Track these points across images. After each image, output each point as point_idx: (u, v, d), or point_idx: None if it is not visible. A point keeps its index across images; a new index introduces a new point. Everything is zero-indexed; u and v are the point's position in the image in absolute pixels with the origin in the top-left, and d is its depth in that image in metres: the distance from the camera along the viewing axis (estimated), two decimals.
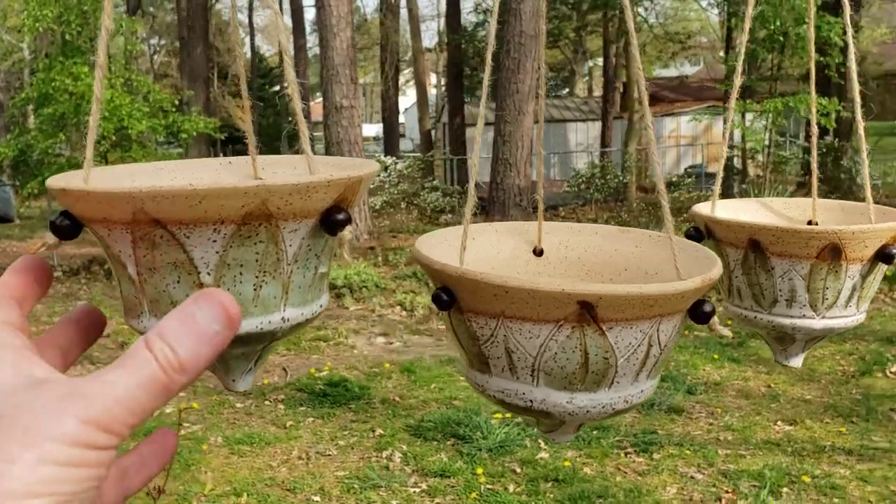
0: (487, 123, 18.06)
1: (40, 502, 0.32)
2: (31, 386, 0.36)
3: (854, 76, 0.83)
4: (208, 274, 0.46)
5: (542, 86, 0.74)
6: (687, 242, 0.62)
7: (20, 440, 0.33)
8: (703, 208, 0.79)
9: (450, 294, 0.53)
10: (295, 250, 0.47)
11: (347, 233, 0.48)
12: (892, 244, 0.70)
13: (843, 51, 11.08)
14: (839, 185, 12.75)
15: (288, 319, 0.48)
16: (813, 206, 0.85)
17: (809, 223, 0.85)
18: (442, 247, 0.62)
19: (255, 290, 0.46)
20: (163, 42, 29.23)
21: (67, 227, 0.49)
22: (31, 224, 13.48)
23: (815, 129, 0.83)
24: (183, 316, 0.37)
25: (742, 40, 0.88)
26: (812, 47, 0.88)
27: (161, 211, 0.44)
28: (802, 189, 12.86)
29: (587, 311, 0.48)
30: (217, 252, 0.45)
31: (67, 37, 8.34)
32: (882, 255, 0.70)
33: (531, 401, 0.54)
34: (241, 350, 0.49)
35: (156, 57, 30.06)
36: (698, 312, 0.51)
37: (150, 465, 0.47)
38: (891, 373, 5.37)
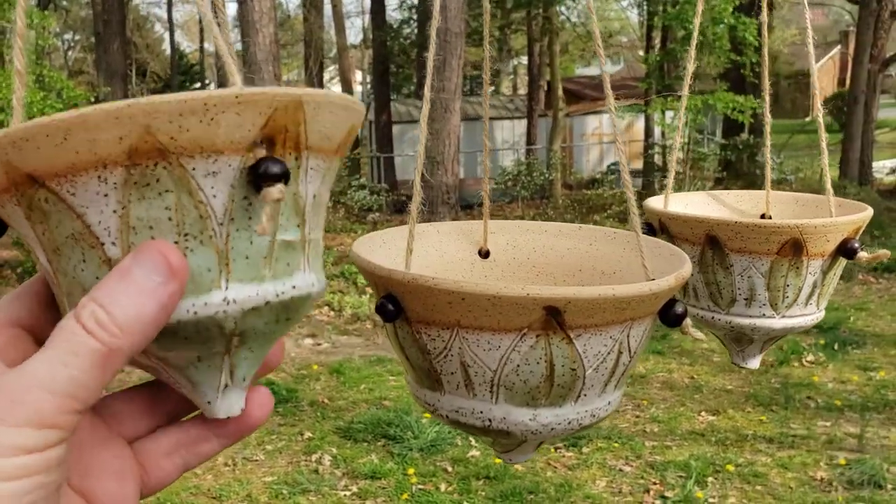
0: (412, 121, 18.02)
1: None
2: None
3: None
4: (113, 244, 0.34)
5: (487, 83, 0.70)
6: (651, 239, 0.58)
7: None
8: (655, 203, 0.76)
9: (396, 303, 0.47)
10: (224, 203, 0.35)
11: (277, 191, 0.35)
12: (853, 238, 0.68)
13: (758, 50, 11.43)
14: (754, 182, 13.14)
15: (235, 300, 0.35)
16: (766, 199, 0.83)
17: (763, 217, 0.83)
18: (381, 250, 0.57)
19: None
20: (77, 37, 28.28)
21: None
22: None
23: (767, 117, 0.81)
24: (116, 273, 0.32)
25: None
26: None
27: (27, 160, 0.34)
28: (721, 185, 13.20)
29: (553, 318, 0.44)
30: (115, 211, 0.34)
31: None
32: (843, 250, 0.68)
33: (490, 420, 0.49)
34: (189, 353, 0.37)
35: (70, 53, 29.05)
36: (670, 314, 0.48)
37: (208, 440, 0.41)
38: (807, 362, 5.55)
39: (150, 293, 0.32)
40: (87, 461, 0.36)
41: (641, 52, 18.46)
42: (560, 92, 16.90)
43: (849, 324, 6.44)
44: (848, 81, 13.95)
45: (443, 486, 3.76)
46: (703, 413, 4.70)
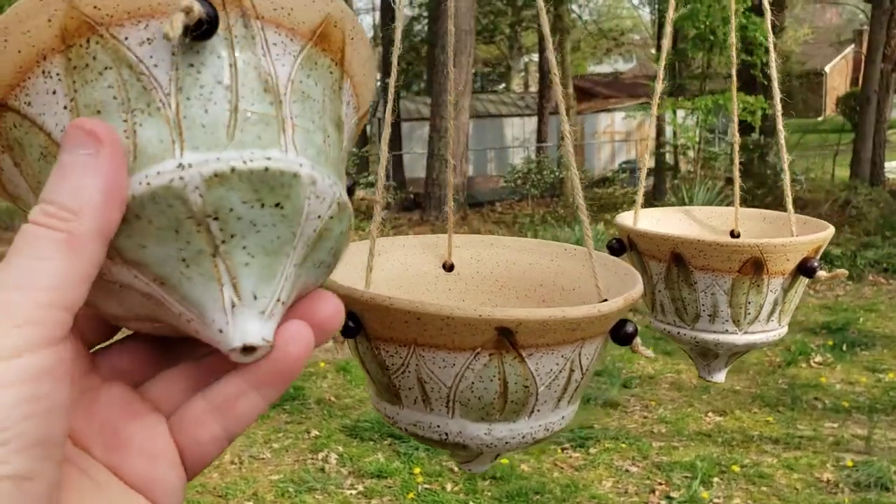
0: (422, 118, 18.03)
1: None
2: None
3: (775, 79, 0.82)
4: None
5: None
6: (606, 257, 0.60)
7: None
8: (625, 219, 0.78)
9: (356, 320, 0.49)
10: (167, 72, 0.32)
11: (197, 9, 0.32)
12: (813, 257, 0.70)
13: (768, 51, 11.39)
14: (764, 181, 13.09)
15: (190, 164, 0.31)
16: (735, 216, 0.85)
17: (732, 233, 0.84)
18: (345, 265, 0.57)
19: (127, 138, 0.32)
20: None
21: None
22: None
23: (736, 137, 0.82)
24: (54, 168, 0.31)
25: (664, 45, 0.88)
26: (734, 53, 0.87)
27: None
28: (731, 185, 13.16)
29: (506, 338, 0.45)
30: (65, 107, 0.32)
31: None
32: (803, 269, 0.69)
33: (446, 434, 0.51)
34: (167, 250, 0.32)
35: None
36: (620, 334, 0.50)
37: (244, 393, 0.35)
38: (814, 363, 5.53)
39: (83, 168, 0.30)
40: (113, 433, 0.33)
41: (653, 51, 18.41)
42: (571, 89, 16.86)
43: (858, 325, 6.42)
44: (861, 81, 13.87)
45: (448, 486, 3.77)
46: (710, 414, 4.69)
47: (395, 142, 16.15)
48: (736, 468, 3.87)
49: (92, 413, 0.33)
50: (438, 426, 0.50)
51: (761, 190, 12.77)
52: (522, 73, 32.25)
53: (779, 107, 0.83)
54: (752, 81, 11.83)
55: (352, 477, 3.88)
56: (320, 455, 4.11)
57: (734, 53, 0.87)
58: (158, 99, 0.32)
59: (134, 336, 0.38)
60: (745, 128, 13.04)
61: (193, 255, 0.32)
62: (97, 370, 0.36)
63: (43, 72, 0.32)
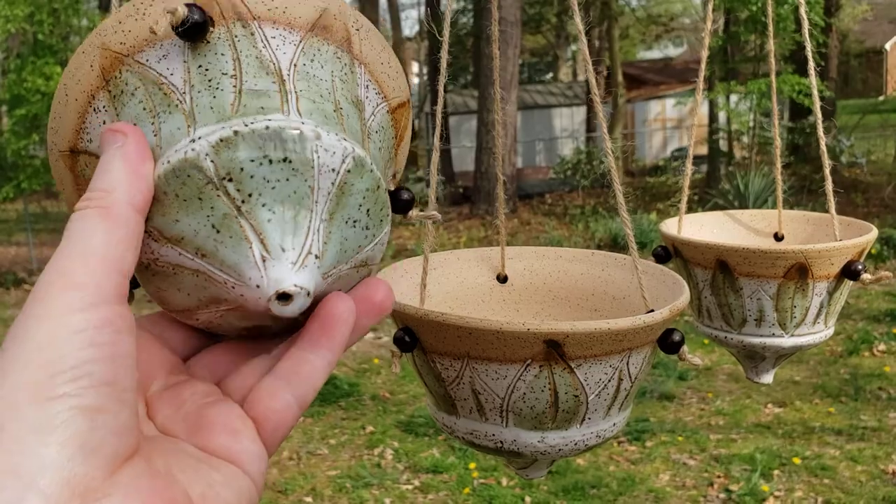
0: (469, 112, 17.99)
1: (49, 385, 0.30)
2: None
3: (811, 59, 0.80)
4: None
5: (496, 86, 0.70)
6: (654, 267, 0.60)
7: (10, 336, 0.32)
8: (670, 227, 0.77)
9: (412, 335, 0.51)
10: (182, 76, 0.38)
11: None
12: (857, 260, 0.69)
13: (824, 30, 11.10)
14: (822, 165, 12.79)
15: (199, 137, 0.36)
16: (779, 219, 0.84)
17: (776, 236, 0.83)
18: (403, 281, 0.60)
19: (155, 136, 0.37)
20: None
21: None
22: (8, 228, 13.34)
23: (777, 140, 0.80)
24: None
25: (707, 28, 0.86)
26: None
27: (61, 144, 0.40)
28: (788, 169, 12.89)
29: (555, 350, 0.46)
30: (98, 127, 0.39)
31: (40, 36, 8.22)
32: (847, 272, 0.69)
33: (501, 442, 0.52)
34: (199, 221, 0.36)
35: None
36: (668, 343, 0.50)
37: (305, 358, 0.39)
38: (878, 351, 5.39)
39: (113, 157, 0.35)
40: (196, 418, 0.37)
41: (703, 35, 18.03)
42: (620, 77, 16.66)
43: None
44: None
45: (504, 481, 3.77)
46: (769, 405, 4.61)
47: (444, 135, 16.13)
48: (797, 460, 3.79)
49: (178, 403, 0.38)
50: (494, 435, 0.52)
51: (819, 174, 12.44)
52: (570, 62, 31.96)
53: (816, 98, 0.81)
54: (807, 62, 11.55)
55: (408, 472, 3.91)
56: (376, 451, 4.15)
57: (771, 37, 0.85)
58: (176, 99, 0.37)
59: (218, 344, 0.42)
60: (801, 111, 12.74)
61: (220, 220, 0.36)
62: (185, 371, 0.41)
63: (94, 109, 0.39)
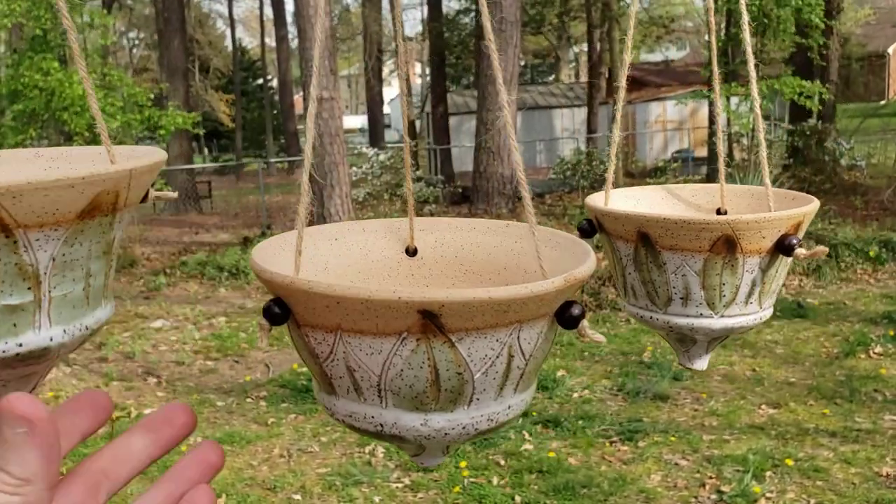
0: (470, 112, 17.97)
1: None
2: None
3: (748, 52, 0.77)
4: None
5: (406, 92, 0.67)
6: (566, 237, 0.56)
7: None
8: (594, 199, 0.73)
9: (283, 306, 0.47)
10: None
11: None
12: (793, 234, 0.64)
13: (825, 33, 11.07)
14: (822, 168, 12.76)
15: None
16: (721, 193, 0.79)
17: (718, 211, 0.78)
18: (284, 252, 0.56)
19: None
20: (142, 35, 28.97)
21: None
22: None
23: (719, 110, 0.77)
24: None
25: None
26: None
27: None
28: (787, 171, 12.85)
29: (431, 321, 0.42)
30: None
31: (38, 31, 8.20)
32: (781, 247, 0.63)
33: (381, 425, 0.47)
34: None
35: (135, 51, 29.76)
36: (565, 317, 0.45)
37: (80, 425, 0.43)
38: (874, 353, 5.37)
39: (23, 444, 0.37)
40: None
41: (706, 38, 18.03)
42: (623, 82, 16.58)
43: None
44: None
45: (495, 480, 3.75)
46: (763, 406, 4.58)
47: (443, 135, 16.13)
48: (790, 462, 3.77)
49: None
50: (373, 417, 0.47)
51: (819, 177, 12.44)
52: (573, 64, 31.91)
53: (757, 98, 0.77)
54: (808, 65, 11.52)
55: (398, 470, 3.88)
56: (367, 448, 4.13)
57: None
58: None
59: None
60: (801, 113, 12.70)
61: None
62: None
63: None
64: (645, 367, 5.34)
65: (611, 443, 4.14)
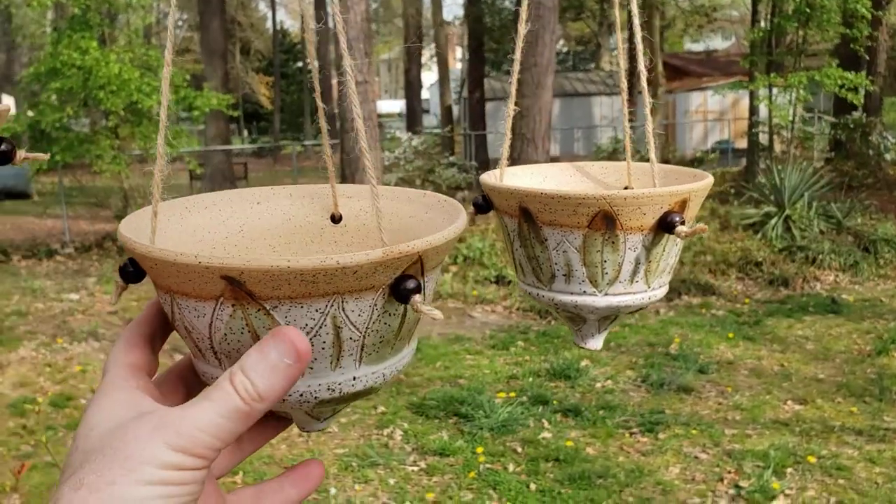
0: (505, 98, 17.81)
1: None
2: (134, 419, 0.42)
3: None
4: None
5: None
6: (446, 201, 0.55)
7: (121, 465, 0.39)
8: (487, 176, 0.71)
9: (137, 266, 0.47)
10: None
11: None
12: (677, 211, 0.61)
13: (872, 23, 10.78)
14: (865, 162, 12.48)
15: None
16: (628, 171, 0.76)
17: (626, 190, 0.76)
18: (192, 216, 0.56)
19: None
20: (185, 17, 29.25)
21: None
22: (46, 200, 13.57)
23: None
24: (260, 353, 0.42)
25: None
26: None
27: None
28: (829, 164, 12.58)
29: (239, 288, 0.42)
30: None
31: (76, 10, 8.30)
32: (664, 224, 0.61)
33: None
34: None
35: (178, 31, 30.05)
36: (398, 290, 0.44)
37: (289, 492, 0.52)
38: None
39: (282, 372, 0.42)
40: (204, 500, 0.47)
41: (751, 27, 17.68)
42: (661, 67, 16.41)
43: None
44: None
45: (511, 467, 3.74)
46: (789, 402, 4.51)
47: (479, 121, 16.06)
48: (812, 459, 3.70)
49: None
50: (215, 377, 0.47)
51: (862, 171, 12.17)
52: (615, 52, 31.53)
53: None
54: (855, 56, 11.25)
55: (415, 454, 3.89)
56: (385, 431, 4.14)
57: None
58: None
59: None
60: (846, 106, 12.42)
61: None
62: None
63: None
64: (671, 358, 5.28)
65: (631, 434, 4.11)
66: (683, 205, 0.61)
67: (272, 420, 0.53)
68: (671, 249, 0.63)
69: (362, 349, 0.46)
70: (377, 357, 0.48)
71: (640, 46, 0.75)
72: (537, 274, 0.65)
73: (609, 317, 0.66)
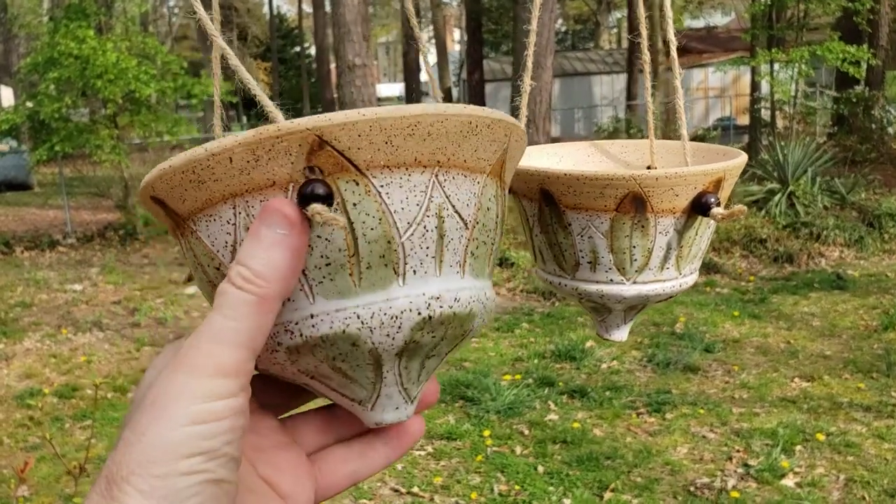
0: (506, 79, 17.72)
1: (187, 463, 0.35)
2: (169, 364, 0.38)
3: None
4: None
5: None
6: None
7: (149, 413, 0.36)
8: None
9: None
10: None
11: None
12: (712, 191, 0.57)
13: None
14: (868, 137, 12.41)
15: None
16: (651, 149, 0.72)
17: (648, 169, 0.71)
18: None
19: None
20: (181, 3, 29.08)
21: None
22: (47, 191, 13.53)
23: (646, 57, 0.70)
24: (249, 236, 0.38)
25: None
26: None
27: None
28: (832, 139, 12.51)
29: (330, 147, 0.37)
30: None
31: (73, 0, 8.24)
32: (698, 206, 0.57)
33: (314, 325, 0.39)
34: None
35: (174, 18, 29.89)
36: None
37: (380, 450, 0.47)
38: None
39: (278, 243, 0.37)
40: (272, 457, 0.44)
41: (752, 1, 17.57)
42: (661, 45, 16.30)
43: None
44: None
45: (518, 449, 3.73)
46: (796, 379, 4.49)
47: (479, 103, 15.99)
48: (821, 436, 3.69)
49: (262, 444, 0.44)
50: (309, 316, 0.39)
51: (865, 146, 12.09)
52: (615, 30, 31.32)
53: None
54: (854, 29, 11.15)
55: (422, 438, 3.88)
56: None
57: None
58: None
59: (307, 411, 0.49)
60: (848, 80, 12.33)
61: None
62: (270, 419, 0.46)
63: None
64: (676, 338, 5.27)
65: (637, 414, 4.09)
66: (718, 184, 0.57)
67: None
68: (704, 233, 0.60)
69: (470, 252, 0.41)
70: (473, 265, 0.41)
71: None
72: (559, 262, 0.61)
73: (636, 306, 0.62)
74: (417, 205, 0.38)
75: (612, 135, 13.45)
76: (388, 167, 0.37)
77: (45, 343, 5.65)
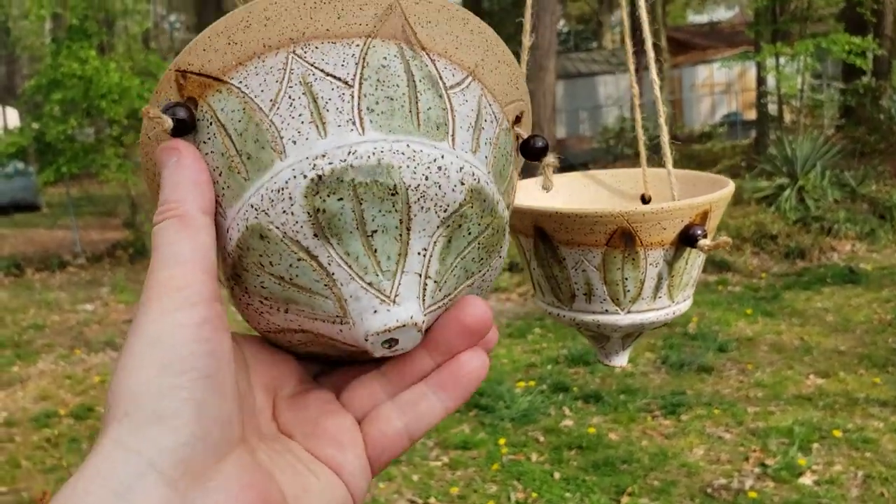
0: None
1: (169, 403, 0.33)
2: None
3: None
4: None
5: None
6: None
7: (128, 343, 0.36)
8: None
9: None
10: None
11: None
12: (699, 224, 0.58)
13: None
14: (877, 127, 12.34)
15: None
16: (643, 178, 0.73)
17: (643, 197, 0.73)
18: None
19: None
20: (183, 18, 29.25)
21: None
22: (55, 211, 13.60)
23: (635, 90, 0.71)
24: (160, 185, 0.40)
25: None
26: None
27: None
28: (840, 132, 12.45)
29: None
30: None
31: (74, 21, 8.29)
32: (685, 238, 0.58)
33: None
34: None
35: (175, 34, 30.05)
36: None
37: (434, 398, 0.42)
38: None
39: (173, 171, 0.39)
40: (313, 424, 0.41)
41: None
42: (664, 42, 16.27)
43: None
44: None
45: (534, 457, 3.72)
46: (811, 376, 4.47)
47: None
48: (837, 433, 3.66)
49: (300, 408, 0.42)
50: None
51: (874, 136, 12.02)
52: (618, 29, 31.27)
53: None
54: (859, 20, 11.10)
55: (437, 448, 3.88)
56: None
57: None
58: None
59: (343, 366, 0.45)
60: (854, 71, 12.27)
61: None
62: (312, 381, 0.44)
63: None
64: (690, 338, 5.24)
65: (653, 417, 4.08)
66: (705, 216, 0.58)
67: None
68: (694, 262, 0.61)
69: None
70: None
71: (644, 17, 0.72)
72: (556, 293, 0.63)
73: (633, 334, 0.64)
74: (277, 81, 0.38)
75: (619, 134, 13.43)
76: (240, 64, 0.39)
77: (59, 364, 5.68)
